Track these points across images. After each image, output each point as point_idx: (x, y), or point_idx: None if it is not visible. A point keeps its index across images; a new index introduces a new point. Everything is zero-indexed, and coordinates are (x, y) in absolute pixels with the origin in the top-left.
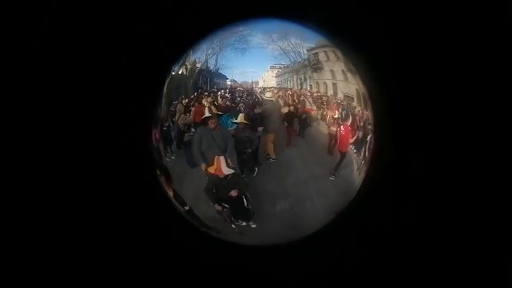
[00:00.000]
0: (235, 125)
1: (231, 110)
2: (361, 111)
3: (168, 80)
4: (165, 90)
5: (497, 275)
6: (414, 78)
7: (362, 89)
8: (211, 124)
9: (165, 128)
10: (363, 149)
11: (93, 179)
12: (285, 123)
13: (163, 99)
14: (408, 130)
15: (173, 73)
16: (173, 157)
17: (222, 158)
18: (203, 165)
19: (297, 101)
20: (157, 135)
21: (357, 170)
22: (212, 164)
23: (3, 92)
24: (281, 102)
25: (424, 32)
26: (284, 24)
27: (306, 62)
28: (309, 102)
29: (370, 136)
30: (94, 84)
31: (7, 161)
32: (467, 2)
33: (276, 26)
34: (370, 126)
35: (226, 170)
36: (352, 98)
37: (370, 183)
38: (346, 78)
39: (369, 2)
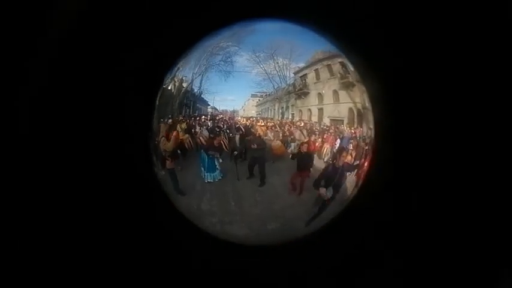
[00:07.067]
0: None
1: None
2: (353, 131)
3: (160, 92)
4: (157, 102)
5: (498, 275)
6: (419, 77)
7: (360, 100)
8: None
9: (156, 143)
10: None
11: (91, 181)
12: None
13: (156, 113)
14: (410, 131)
15: (164, 85)
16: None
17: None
18: None
19: (288, 133)
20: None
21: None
22: None
23: None
24: (270, 135)
25: (429, 32)
26: (278, 34)
27: (291, 88)
28: (303, 134)
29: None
30: (91, 85)
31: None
32: (473, 6)
33: (266, 41)
34: (366, 146)
35: None
36: (342, 120)
37: (370, 183)
38: (337, 99)
39: (372, 3)
